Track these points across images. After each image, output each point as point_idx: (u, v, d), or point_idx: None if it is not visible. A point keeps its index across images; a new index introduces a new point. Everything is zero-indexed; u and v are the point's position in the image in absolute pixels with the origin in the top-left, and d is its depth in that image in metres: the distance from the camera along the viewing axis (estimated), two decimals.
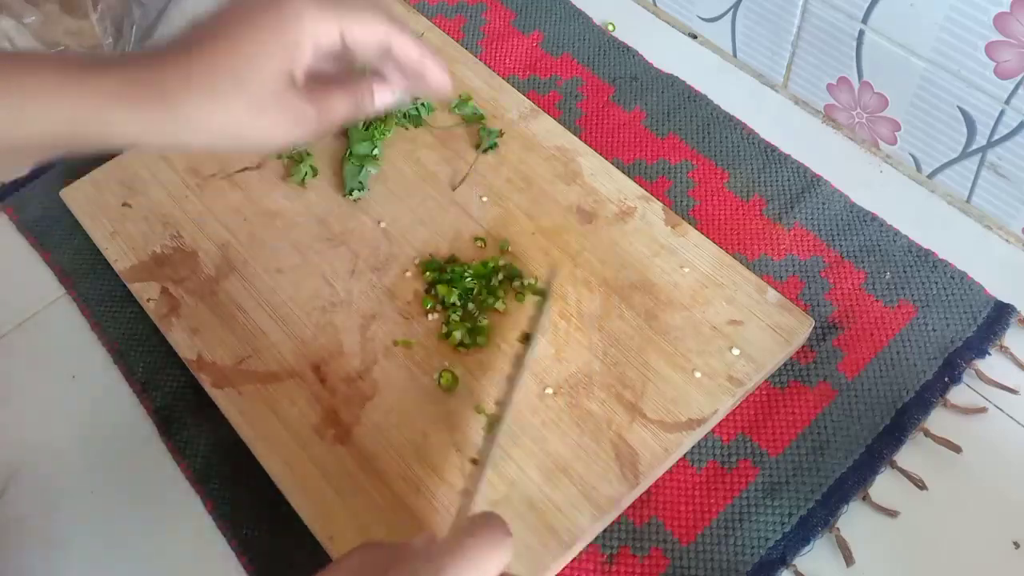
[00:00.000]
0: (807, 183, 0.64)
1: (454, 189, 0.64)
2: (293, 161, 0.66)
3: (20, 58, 0.43)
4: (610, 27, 0.76)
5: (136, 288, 0.62)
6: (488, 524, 0.39)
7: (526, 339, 0.56)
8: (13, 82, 0.41)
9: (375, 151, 0.65)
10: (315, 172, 0.65)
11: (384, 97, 0.49)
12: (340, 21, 0.45)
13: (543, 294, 0.58)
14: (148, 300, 0.61)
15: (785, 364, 0.56)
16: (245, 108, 0.44)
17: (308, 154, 0.66)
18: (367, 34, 0.46)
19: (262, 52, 0.44)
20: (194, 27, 0.45)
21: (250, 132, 0.45)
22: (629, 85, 0.71)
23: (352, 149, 0.65)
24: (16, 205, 0.70)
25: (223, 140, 0.45)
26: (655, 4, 0.76)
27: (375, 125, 0.66)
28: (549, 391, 0.54)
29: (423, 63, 0.48)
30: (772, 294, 0.57)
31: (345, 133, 0.67)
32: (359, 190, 0.64)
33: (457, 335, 0.56)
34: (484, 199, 0.63)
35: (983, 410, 0.54)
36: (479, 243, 0.61)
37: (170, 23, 0.81)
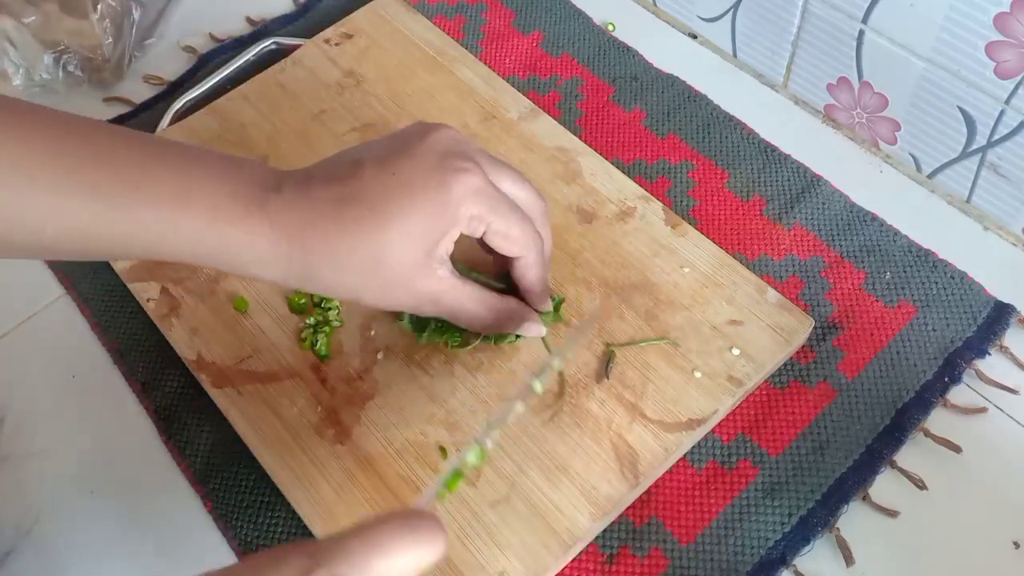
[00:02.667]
0: (807, 183, 0.64)
1: None
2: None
3: (187, 171, 0.44)
4: (610, 27, 0.76)
5: (136, 288, 0.62)
6: (412, 513, 0.34)
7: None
8: (176, 202, 0.42)
9: None
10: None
11: (532, 332, 0.53)
12: (489, 223, 0.46)
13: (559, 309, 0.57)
14: (148, 300, 0.61)
15: (785, 364, 0.56)
16: (374, 284, 0.45)
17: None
18: (506, 247, 0.48)
19: (407, 235, 0.44)
20: (360, 161, 0.46)
21: (372, 301, 0.47)
22: (629, 85, 0.71)
23: None
24: None
25: (349, 299, 0.47)
26: (655, 4, 0.76)
27: None
28: (539, 386, 0.54)
29: (533, 297, 0.52)
30: (772, 294, 0.57)
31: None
32: None
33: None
34: None
35: (983, 410, 0.54)
36: None
37: (170, 23, 0.81)
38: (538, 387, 0.46)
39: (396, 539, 0.33)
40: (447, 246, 0.46)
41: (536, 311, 0.53)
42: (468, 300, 0.48)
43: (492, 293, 0.50)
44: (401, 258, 0.44)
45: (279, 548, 0.33)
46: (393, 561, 0.33)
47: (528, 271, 0.50)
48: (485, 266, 0.53)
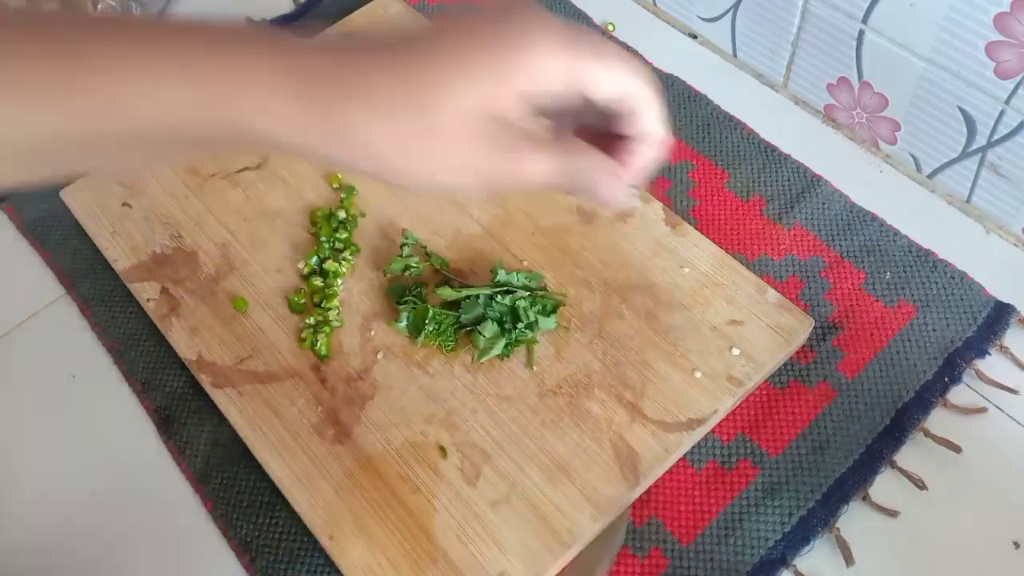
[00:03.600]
0: (807, 183, 0.64)
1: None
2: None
3: (151, 28, 0.36)
4: (610, 27, 0.76)
5: (136, 288, 0.62)
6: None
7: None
8: (141, 56, 0.34)
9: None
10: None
11: (618, 194, 0.38)
12: (581, 63, 0.35)
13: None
14: (148, 300, 0.61)
15: (785, 364, 0.56)
16: (418, 140, 0.35)
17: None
18: (610, 89, 0.36)
19: (464, 75, 0.34)
20: (403, 29, 0.36)
21: (416, 169, 0.36)
22: None
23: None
24: (16, 205, 0.70)
25: (383, 168, 0.37)
26: (655, 4, 0.76)
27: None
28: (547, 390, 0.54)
29: (651, 159, 0.39)
30: (772, 294, 0.57)
31: None
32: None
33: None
34: (484, 199, 0.63)
35: (983, 410, 0.54)
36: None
37: None
38: None
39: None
40: (518, 107, 0.35)
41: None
42: (542, 151, 0.37)
43: (567, 145, 0.38)
44: (456, 100, 0.34)
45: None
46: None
47: (652, 125, 0.38)
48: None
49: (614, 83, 0.36)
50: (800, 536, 0.50)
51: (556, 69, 0.35)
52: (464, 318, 0.56)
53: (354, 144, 0.35)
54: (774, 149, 0.66)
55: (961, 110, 0.58)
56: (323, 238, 0.61)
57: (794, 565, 0.50)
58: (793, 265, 0.60)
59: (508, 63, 0.35)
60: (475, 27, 0.35)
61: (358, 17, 0.75)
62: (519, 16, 0.35)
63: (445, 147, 0.35)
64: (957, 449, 0.53)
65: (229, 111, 0.34)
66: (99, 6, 0.73)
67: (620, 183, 0.38)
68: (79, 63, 0.34)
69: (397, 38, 0.35)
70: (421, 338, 0.56)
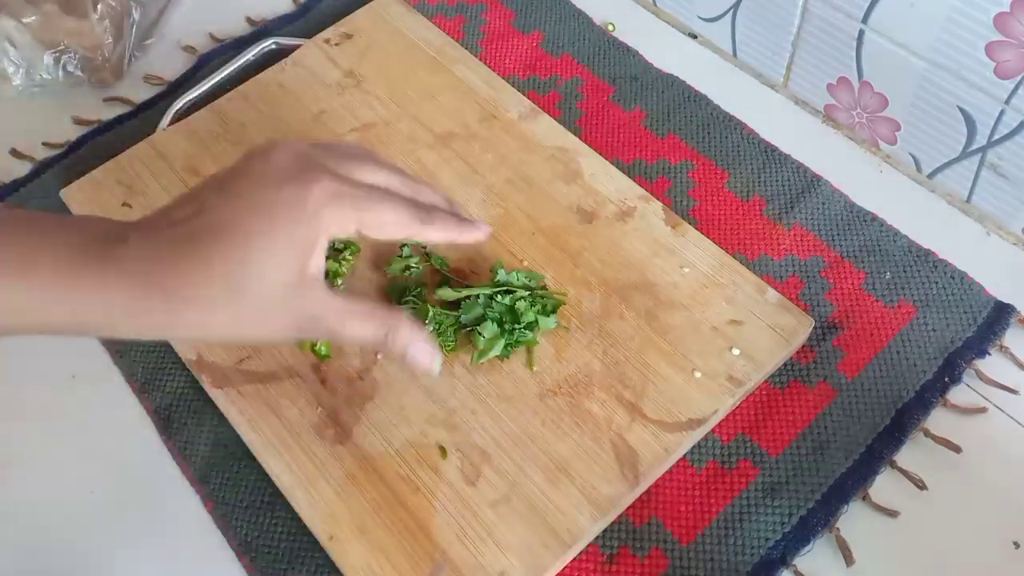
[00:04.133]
0: (807, 183, 0.64)
1: None
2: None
3: (26, 239, 0.41)
4: (610, 27, 0.76)
5: None
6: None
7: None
8: (21, 272, 0.40)
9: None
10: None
11: (421, 358, 0.45)
12: (359, 219, 0.43)
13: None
14: None
15: (785, 364, 0.56)
16: (246, 316, 0.41)
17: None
18: (386, 234, 0.44)
19: (270, 255, 0.41)
20: (201, 196, 0.42)
21: (251, 335, 0.43)
22: (629, 85, 0.71)
23: None
24: (16, 205, 0.70)
25: (226, 340, 0.44)
26: (655, 4, 0.76)
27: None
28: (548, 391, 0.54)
29: (452, 238, 0.48)
30: (772, 294, 0.57)
31: None
32: None
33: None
34: (484, 199, 0.63)
35: (983, 410, 0.54)
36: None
37: (170, 23, 0.81)
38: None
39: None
40: (318, 262, 0.42)
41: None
42: (351, 317, 0.44)
43: (380, 306, 0.45)
44: (272, 281, 0.41)
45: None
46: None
47: (435, 237, 0.47)
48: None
49: (393, 231, 0.45)
50: (800, 536, 0.50)
51: (343, 228, 0.43)
52: (464, 318, 0.56)
53: (193, 331, 0.42)
54: (774, 149, 0.66)
55: (961, 110, 0.58)
56: None
57: (794, 565, 0.50)
58: (793, 265, 0.60)
59: (303, 234, 0.41)
60: (257, 201, 0.41)
61: (358, 17, 0.75)
62: (290, 182, 0.42)
63: (271, 316, 0.42)
64: (957, 449, 0.53)
65: (90, 317, 0.41)
66: (99, 6, 0.73)
67: (425, 349, 0.46)
68: None
69: (205, 222, 0.41)
70: None
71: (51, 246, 0.40)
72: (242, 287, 0.40)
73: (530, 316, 0.55)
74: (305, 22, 0.79)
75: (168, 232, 0.41)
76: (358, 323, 0.44)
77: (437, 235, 0.47)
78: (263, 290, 0.41)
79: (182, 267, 0.40)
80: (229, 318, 0.41)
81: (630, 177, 0.63)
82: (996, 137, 0.57)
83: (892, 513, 0.51)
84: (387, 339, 0.45)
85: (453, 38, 0.74)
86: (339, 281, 0.59)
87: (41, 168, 0.72)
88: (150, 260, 0.40)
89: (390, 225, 0.44)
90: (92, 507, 0.56)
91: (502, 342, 0.55)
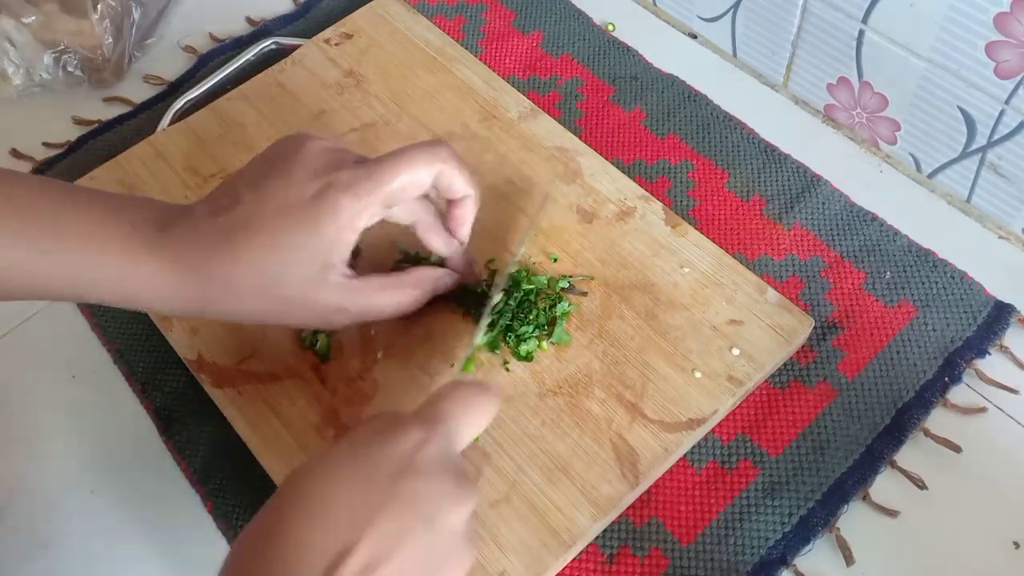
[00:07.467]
0: (807, 183, 0.64)
1: None
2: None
3: (84, 216, 0.46)
4: (610, 27, 0.76)
5: None
6: (473, 381, 0.44)
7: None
8: (73, 241, 0.44)
9: None
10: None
11: (449, 280, 0.54)
12: (383, 204, 0.47)
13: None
14: None
15: (785, 364, 0.56)
16: (275, 307, 0.47)
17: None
18: (408, 213, 0.50)
19: (299, 253, 0.45)
20: (238, 189, 0.47)
21: (276, 322, 0.49)
22: (629, 85, 0.71)
23: None
24: None
25: (256, 323, 0.49)
26: (655, 4, 0.76)
27: None
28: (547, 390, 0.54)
29: (453, 262, 0.54)
30: (772, 294, 0.57)
31: None
32: None
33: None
34: (483, 199, 0.63)
35: (983, 410, 0.54)
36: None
37: (170, 23, 0.81)
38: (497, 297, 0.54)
39: (475, 396, 0.43)
40: (343, 255, 0.47)
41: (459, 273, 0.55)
42: (377, 293, 0.49)
43: (396, 274, 0.51)
44: (296, 277, 0.46)
45: (390, 418, 0.41)
46: (474, 416, 0.42)
47: (452, 181, 0.50)
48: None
49: (410, 209, 0.51)
50: (800, 536, 0.50)
51: (368, 216, 0.46)
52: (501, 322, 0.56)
53: (226, 314, 0.47)
54: (774, 149, 0.66)
55: (961, 110, 0.58)
56: None
57: (794, 565, 0.50)
58: (793, 265, 0.60)
59: (327, 232, 0.45)
60: (285, 201, 0.45)
61: (358, 17, 0.75)
62: (316, 182, 0.46)
63: (297, 306, 0.47)
64: (957, 449, 0.53)
65: (139, 293, 0.46)
66: (99, 6, 0.73)
67: (447, 273, 0.54)
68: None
69: (230, 221, 0.46)
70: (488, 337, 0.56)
71: (115, 223, 0.45)
72: (272, 281, 0.45)
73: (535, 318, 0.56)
74: (305, 22, 0.79)
75: (207, 224, 0.46)
76: (386, 295, 0.50)
77: (446, 244, 0.53)
78: (290, 283, 0.45)
79: (222, 260, 0.45)
80: (258, 308, 0.47)
81: (630, 177, 0.63)
82: (996, 137, 0.57)
83: (892, 513, 0.51)
84: (420, 296, 0.51)
85: (453, 38, 0.74)
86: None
87: (41, 168, 0.72)
88: (192, 247, 0.45)
89: (411, 212, 0.50)
90: (92, 507, 0.56)
91: (499, 342, 0.56)
